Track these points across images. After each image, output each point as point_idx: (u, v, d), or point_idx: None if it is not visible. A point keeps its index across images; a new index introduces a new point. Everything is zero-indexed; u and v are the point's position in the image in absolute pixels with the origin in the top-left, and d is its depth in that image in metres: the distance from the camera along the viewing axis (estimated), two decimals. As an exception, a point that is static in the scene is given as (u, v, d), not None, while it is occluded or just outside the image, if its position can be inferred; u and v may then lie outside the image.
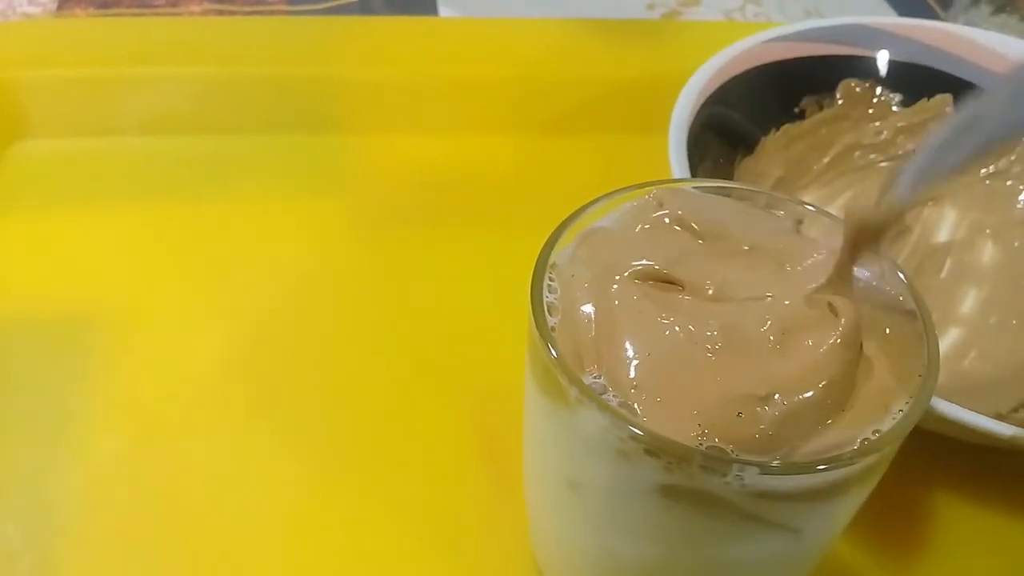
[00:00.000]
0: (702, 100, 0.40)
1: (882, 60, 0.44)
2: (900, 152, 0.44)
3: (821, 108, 0.44)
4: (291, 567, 0.31)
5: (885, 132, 0.44)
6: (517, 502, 0.29)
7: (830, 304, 0.22)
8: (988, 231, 0.42)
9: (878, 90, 0.44)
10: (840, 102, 0.44)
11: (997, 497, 0.34)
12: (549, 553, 0.29)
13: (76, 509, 0.32)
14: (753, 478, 0.20)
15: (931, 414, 0.29)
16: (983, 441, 0.30)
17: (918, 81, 0.44)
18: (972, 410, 0.29)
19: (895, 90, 0.44)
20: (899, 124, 0.44)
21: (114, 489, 0.32)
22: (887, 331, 0.23)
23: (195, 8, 0.57)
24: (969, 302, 0.39)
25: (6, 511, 0.32)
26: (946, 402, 0.29)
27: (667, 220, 0.25)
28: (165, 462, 0.33)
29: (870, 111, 0.44)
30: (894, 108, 0.44)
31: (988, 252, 0.41)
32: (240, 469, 0.33)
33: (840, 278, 0.23)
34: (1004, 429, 0.29)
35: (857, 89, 0.44)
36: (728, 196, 0.26)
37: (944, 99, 0.43)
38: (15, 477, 0.33)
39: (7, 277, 0.40)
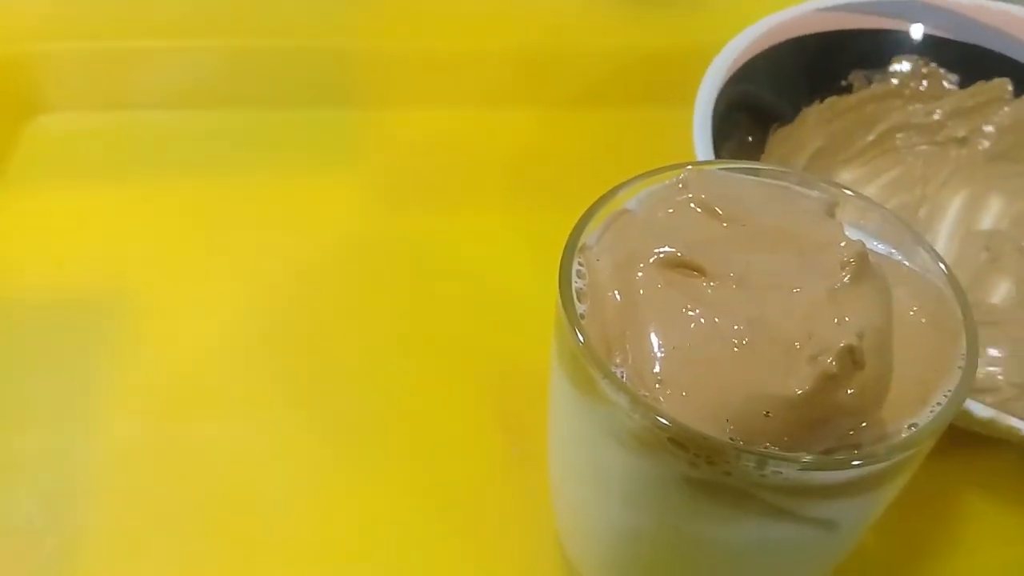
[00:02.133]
0: (731, 72, 0.39)
1: (938, 38, 0.42)
2: (950, 136, 0.42)
3: (870, 83, 0.42)
4: (312, 546, 0.31)
5: (936, 113, 0.42)
6: (541, 485, 0.29)
7: (859, 298, 0.21)
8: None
9: (932, 68, 0.42)
10: (892, 79, 0.42)
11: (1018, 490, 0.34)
12: (573, 537, 0.29)
13: (98, 488, 0.32)
14: (785, 474, 0.19)
15: (964, 414, 0.28)
16: (1010, 438, 0.29)
17: (976, 63, 0.42)
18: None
19: (951, 71, 0.42)
20: (952, 106, 0.42)
21: (135, 467, 0.32)
22: (923, 321, 0.23)
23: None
24: (1001, 293, 0.38)
25: (29, 489, 0.32)
26: (977, 403, 0.28)
27: (691, 204, 0.23)
28: (186, 440, 0.33)
29: (922, 90, 0.43)
30: (948, 88, 0.42)
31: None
32: (261, 449, 0.33)
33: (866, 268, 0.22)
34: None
35: (910, 67, 0.42)
36: (758, 177, 0.26)
37: (1002, 83, 0.41)
38: (37, 455, 0.32)
39: (25, 253, 0.39)
